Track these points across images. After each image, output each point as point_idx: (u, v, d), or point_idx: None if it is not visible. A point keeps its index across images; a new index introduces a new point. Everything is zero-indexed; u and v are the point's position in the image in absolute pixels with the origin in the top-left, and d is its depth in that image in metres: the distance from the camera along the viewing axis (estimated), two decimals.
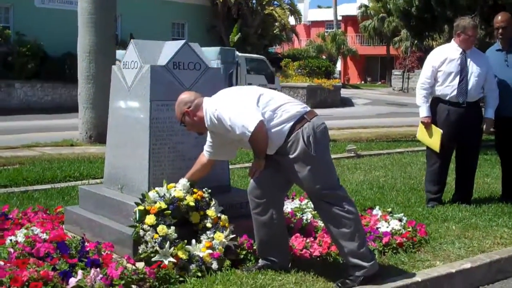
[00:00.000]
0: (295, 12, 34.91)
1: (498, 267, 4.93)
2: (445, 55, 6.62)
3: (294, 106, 4.25)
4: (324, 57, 42.96)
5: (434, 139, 6.59)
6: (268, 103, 4.21)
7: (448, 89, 6.55)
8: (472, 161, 6.83)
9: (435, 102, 6.69)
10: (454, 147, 6.76)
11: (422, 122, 6.65)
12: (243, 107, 4.14)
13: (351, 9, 53.75)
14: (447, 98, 6.56)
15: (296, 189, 7.14)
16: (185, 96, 4.44)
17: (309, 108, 4.32)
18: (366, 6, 49.29)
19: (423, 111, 6.62)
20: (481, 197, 7.16)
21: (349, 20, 55.16)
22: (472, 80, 6.53)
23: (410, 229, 5.25)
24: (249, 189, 4.42)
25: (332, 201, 4.18)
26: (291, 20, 35.59)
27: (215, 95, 4.40)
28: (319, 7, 68.48)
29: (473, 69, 6.54)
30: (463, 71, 6.53)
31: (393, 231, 5.19)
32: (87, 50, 12.16)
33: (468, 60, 6.58)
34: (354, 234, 4.19)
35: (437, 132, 6.54)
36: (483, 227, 5.77)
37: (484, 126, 6.73)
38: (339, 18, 53.09)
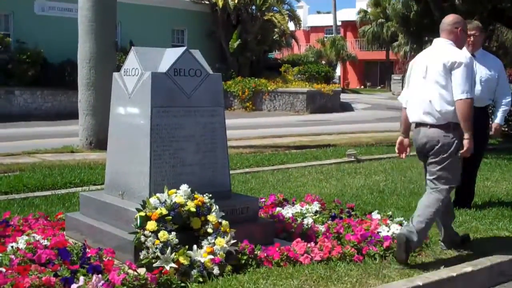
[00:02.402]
0: (294, 18, 34.93)
1: (499, 270, 4.94)
2: None
3: None
4: (323, 62, 42.99)
5: None
6: None
7: None
8: (474, 167, 6.76)
9: None
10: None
11: None
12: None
13: (351, 15, 53.83)
14: None
15: (296, 194, 7.17)
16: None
17: None
18: (365, 11, 49.37)
19: None
20: (481, 201, 7.17)
21: (348, 25, 55.24)
22: (479, 85, 6.41)
23: None
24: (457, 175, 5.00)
25: None
26: (291, 26, 35.62)
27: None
28: (319, 12, 68.58)
29: (482, 73, 6.47)
30: None
31: (393, 235, 5.20)
32: (87, 57, 12.19)
33: (476, 63, 6.43)
34: None
35: None
36: (483, 231, 5.79)
37: (492, 132, 6.65)
38: (339, 23, 53.16)
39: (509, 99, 6.70)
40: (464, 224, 6.03)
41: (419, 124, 5.12)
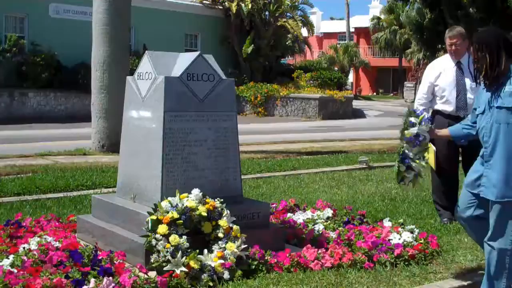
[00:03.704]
0: (307, 24, 34.92)
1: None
2: (439, 69, 6.48)
3: None
4: (336, 68, 42.94)
5: (430, 157, 6.49)
6: None
7: (446, 104, 6.42)
8: None
9: (435, 115, 6.52)
10: (457, 161, 6.61)
11: None
12: None
13: (364, 21, 53.78)
14: (447, 113, 6.42)
15: (308, 200, 7.16)
16: None
17: None
18: (378, 18, 49.33)
19: None
20: None
21: (361, 32, 55.19)
22: (470, 93, 6.31)
23: (422, 241, 5.23)
24: None
25: None
26: (304, 32, 35.61)
27: None
28: (332, 19, 68.58)
29: (471, 81, 6.21)
30: (459, 85, 6.35)
31: (405, 243, 5.18)
32: (101, 61, 12.25)
33: (465, 71, 6.37)
34: None
35: (432, 150, 6.43)
36: None
37: None
38: (352, 30, 53.11)
39: None
40: None
41: None
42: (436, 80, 6.47)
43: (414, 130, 4.61)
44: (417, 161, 4.62)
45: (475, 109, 4.42)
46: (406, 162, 4.64)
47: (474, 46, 4.22)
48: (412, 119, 4.65)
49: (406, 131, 4.64)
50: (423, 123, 4.65)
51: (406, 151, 4.63)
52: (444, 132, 4.84)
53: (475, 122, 4.42)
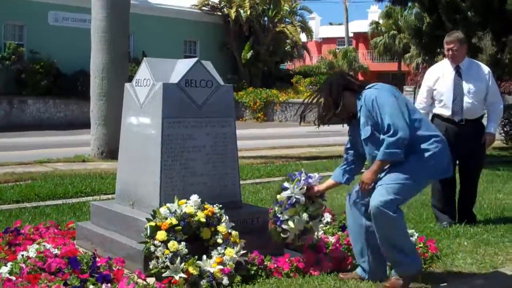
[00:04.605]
0: (306, 29, 35.02)
1: (510, 283, 4.90)
2: (438, 74, 6.50)
3: None
4: None
5: None
6: None
7: (444, 108, 6.43)
8: (472, 179, 6.64)
9: (434, 118, 6.56)
10: (455, 165, 6.61)
11: None
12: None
13: (363, 26, 53.84)
14: (445, 117, 6.45)
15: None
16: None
17: None
18: (377, 23, 49.38)
19: None
20: (493, 213, 7.12)
21: (360, 36, 55.24)
22: (468, 98, 6.34)
23: (421, 245, 5.22)
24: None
25: None
26: (303, 37, 35.70)
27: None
28: (331, 24, 68.71)
29: (470, 85, 6.35)
30: (456, 89, 6.36)
31: None
32: (100, 68, 12.26)
33: (463, 76, 6.39)
34: None
35: None
36: (495, 243, 5.75)
37: (486, 142, 6.49)
38: (351, 35, 53.17)
39: (501, 107, 6.56)
40: (475, 236, 6.00)
41: None
42: (435, 84, 6.48)
43: (285, 193, 4.71)
44: (290, 223, 4.68)
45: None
46: (278, 224, 4.73)
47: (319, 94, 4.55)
48: (286, 184, 4.75)
49: (278, 195, 4.76)
50: (296, 186, 4.71)
51: (278, 214, 4.72)
52: (327, 184, 4.84)
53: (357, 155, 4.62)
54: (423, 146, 4.28)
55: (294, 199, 4.67)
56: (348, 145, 4.71)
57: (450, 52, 6.42)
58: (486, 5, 13.36)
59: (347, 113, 4.46)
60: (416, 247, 5.17)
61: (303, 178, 4.74)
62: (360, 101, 4.37)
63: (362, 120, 4.35)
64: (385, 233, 4.30)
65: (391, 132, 4.16)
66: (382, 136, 4.21)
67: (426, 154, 4.27)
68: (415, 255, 4.43)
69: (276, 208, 4.73)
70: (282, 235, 4.74)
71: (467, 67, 6.47)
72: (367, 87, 4.41)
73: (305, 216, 4.69)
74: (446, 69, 6.50)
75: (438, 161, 4.32)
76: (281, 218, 4.69)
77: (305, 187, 4.73)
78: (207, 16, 31.26)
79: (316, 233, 5.07)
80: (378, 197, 4.20)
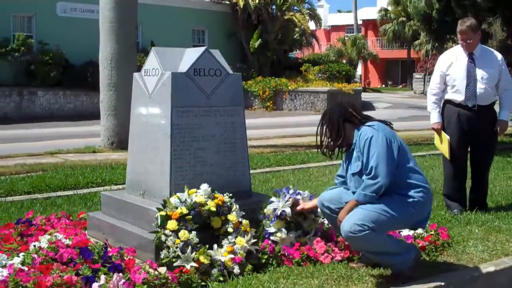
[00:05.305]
0: (315, 17, 34.83)
1: None
2: (451, 59, 6.47)
3: None
4: (344, 61, 42.81)
5: (443, 146, 6.47)
6: None
7: (457, 93, 6.40)
8: (484, 165, 6.61)
9: (446, 104, 6.54)
10: (467, 151, 6.58)
11: (432, 128, 6.57)
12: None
13: (371, 13, 53.60)
14: (457, 102, 6.42)
15: (317, 193, 7.14)
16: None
17: None
18: (386, 10, 49.13)
19: (433, 117, 6.52)
20: (504, 200, 7.09)
21: (369, 24, 55.01)
22: (481, 83, 6.32)
23: (432, 233, 5.22)
24: None
25: None
26: (311, 25, 35.52)
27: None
28: (339, 11, 68.38)
29: (482, 72, 6.32)
30: (470, 75, 6.33)
31: (415, 234, 5.16)
32: (109, 58, 12.27)
33: (476, 62, 6.37)
34: None
35: (445, 139, 6.41)
36: (506, 230, 5.72)
37: (498, 129, 6.47)
38: (359, 22, 52.93)
39: None
40: (486, 223, 5.97)
41: None
42: (448, 69, 6.46)
43: (270, 206, 4.82)
44: (278, 234, 4.76)
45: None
46: (267, 236, 4.80)
47: (322, 123, 4.69)
48: (273, 199, 4.88)
49: (265, 209, 4.86)
50: (281, 200, 4.84)
51: (266, 228, 4.81)
52: (313, 203, 4.87)
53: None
54: (410, 192, 4.31)
55: (279, 212, 4.77)
56: (339, 172, 4.81)
57: (465, 43, 6.39)
58: None
59: (348, 145, 4.58)
60: (428, 234, 5.17)
61: (290, 192, 4.88)
62: (356, 135, 4.44)
63: (354, 154, 4.44)
64: (364, 248, 4.38)
65: (372, 175, 4.21)
66: (363, 177, 4.27)
67: (410, 200, 4.30)
68: (403, 251, 4.40)
69: (264, 222, 4.82)
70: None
71: (480, 53, 6.43)
72: (367, 124, 4.45)
73: (298, 232, 4.85)
74: (459, 55, 6.46)
75: (419, 211, 4.37)
76: (269, 231, 4.78)
77: (291, 201, 4.84)
78: (215, 5, 31.17)
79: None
80: (352, 220, 4.21)
